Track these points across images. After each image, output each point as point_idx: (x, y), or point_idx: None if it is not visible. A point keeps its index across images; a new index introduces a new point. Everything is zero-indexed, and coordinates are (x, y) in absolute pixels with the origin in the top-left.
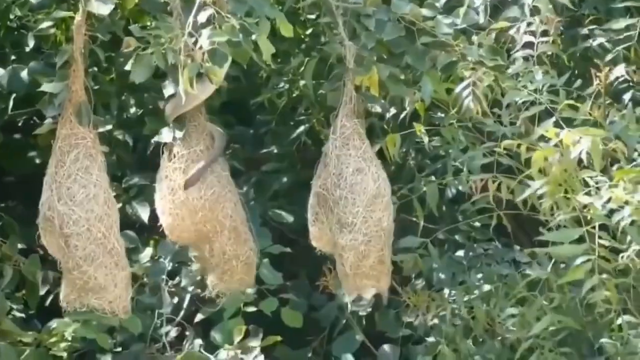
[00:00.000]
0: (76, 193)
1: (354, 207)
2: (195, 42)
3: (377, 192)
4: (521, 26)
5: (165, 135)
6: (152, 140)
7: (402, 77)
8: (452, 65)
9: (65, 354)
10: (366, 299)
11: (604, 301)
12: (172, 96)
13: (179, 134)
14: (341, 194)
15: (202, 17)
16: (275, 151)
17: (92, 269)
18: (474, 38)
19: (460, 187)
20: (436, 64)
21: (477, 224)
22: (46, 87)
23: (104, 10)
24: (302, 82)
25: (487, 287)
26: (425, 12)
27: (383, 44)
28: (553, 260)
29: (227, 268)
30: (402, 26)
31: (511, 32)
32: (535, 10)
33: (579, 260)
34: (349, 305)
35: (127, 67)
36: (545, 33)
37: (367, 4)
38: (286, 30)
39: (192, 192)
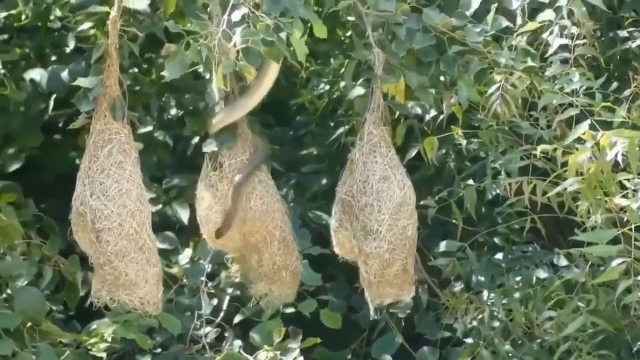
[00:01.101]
0: (109, 188)
1: (380, 214)
2: (229, 40)
3: (403, 200)
4: (554, 29)
5: (210, 144)
6: (192, 142)
7: (441, 79)
8: (483, 72)
9: (104, 355)
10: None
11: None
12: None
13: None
14: (367, 201)
15: (237, 16)
16: (315, 152)
17: (123, 265)
18: (505, 43)
19: (498, 190)
20: (469, 70)
21: (516, 226)
22: (80, 81)
23: (140, 5)
24: (342, 84)
25: (525, 290)
26: (455, 21)
27: (413, 53)
28: (590, 263)
29: (276, 278)
30: (433, 35)
31: (545, 35)
32: (571, 13)
33: (614, 262)
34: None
35: (165, 72)
36: (579, 36)
37: (397, 13)
38: (320, 31)
39: (241, 202)
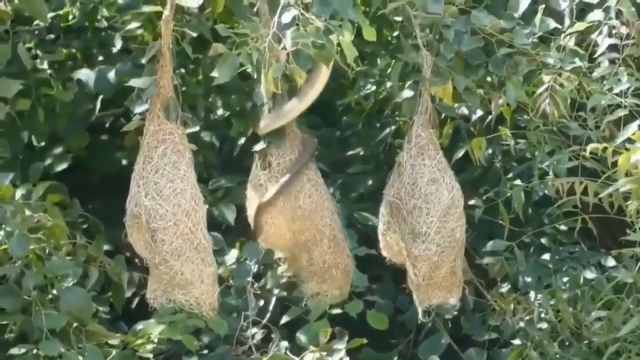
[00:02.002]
0: (163, 188)
1: (428, 217)
2: (280, 43)
3: (451, 203)
4: (604, 29)
5: (260, 143)
6: (239, 143)
7: (488, 79)
8: (532, 74)
9: (151, 356)
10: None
11: None
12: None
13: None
14: (415, 203)
15: (287, 18)
16: (362, 153)
17: (178, 264)
18: (553, 44)
19: (545, 191)
20: (517, 72)
21: (563, 227)
22: (134, 82)
23: (194, 3)
24: (388, 84)
25: (573, 291)
26: (503, 23)
27: (461, 55)
28: None
29: (327, 277)
30: (481, 37)
31: (593, 35)
32: (620, 13)
33: None
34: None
35: (214, 73)
36: (628, 36)
37: (446, 15)
38: (369, 34)
39: (290, 201)
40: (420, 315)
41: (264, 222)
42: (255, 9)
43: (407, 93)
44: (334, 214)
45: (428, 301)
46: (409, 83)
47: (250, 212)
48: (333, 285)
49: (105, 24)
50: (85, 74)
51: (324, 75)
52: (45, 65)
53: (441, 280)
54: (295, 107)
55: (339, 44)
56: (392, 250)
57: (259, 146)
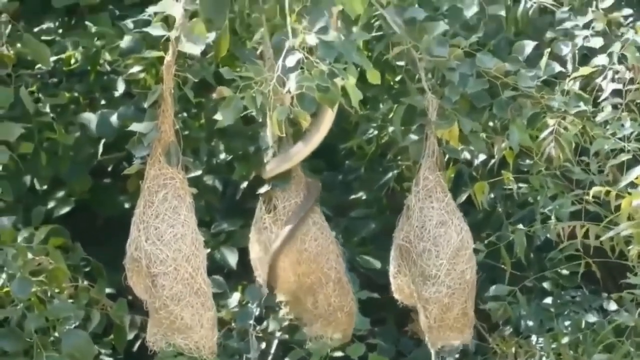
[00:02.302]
0: (164, 232)
1: (438, 259)
2: (284, 86)
3: (461, 245)
4: (608, 74)
5: (265, 187)
6: (241, 187)
7: (491, 124)
8: (536, 117)
9: None
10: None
11: None
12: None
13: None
14: (424, 246)
15: (291, 62)
16: (364, 197)
17: (178, 309)
18: (558, 88)
19: (548, 235)
20: (521, 115)
21: (565, 271)
22: (135, 127)
23: (195, 50)
24: (391, 128)
25: (574, 334)
26: (508, 66)
27: (466, 98)
28: None
29: (332, 319)
30: (486, 80)
31: (598, 80)
32: (623, 58)
33: None
34: (433, 354)
35: (217, 116)
36: (632, 80)
37: (451, 58)
38: (373, 77)
39: (296, 244)
40: (432, 357)
41: (264, 263)
42: (258, 52)
43: (413, 137)
44: (339, 257)
45: (440, 342)
46: (415, 127)
47: (254, 255)
48: (337, 328)
49: (107, 67)
50: (88, 118)
51: (329, 118)
52: (47, 109)
53: (452, 321)
54: (301, 150)
55: (343, 87)
56: (403, 293)
57: (263, 189)
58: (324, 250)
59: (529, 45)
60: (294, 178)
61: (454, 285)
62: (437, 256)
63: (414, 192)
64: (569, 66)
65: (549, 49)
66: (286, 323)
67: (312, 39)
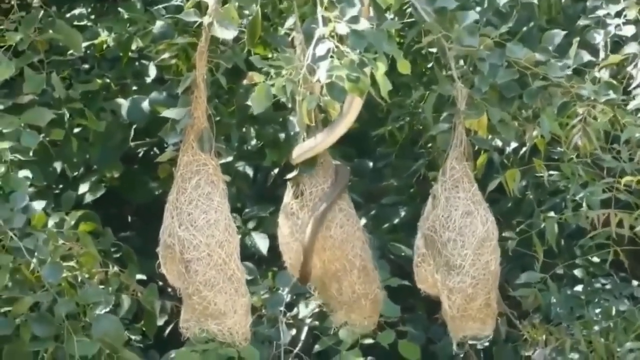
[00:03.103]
0: (197, 218)
1: (463, 249)
2: (314, 74)
3: (486, 236)
4: (639, 62)
5: (293, 172)
6: (272, 173)
7: (523, 113)
8: (566, 105)
9: None
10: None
11: None
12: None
13: (305, 170)
14: (450, 236)
15: (321, 50)
16: (395, 184)
17: (212, 295)
18: (588, 76)
19: (579, 223)
20: (552, 103)
21: (596, 259)
22: (168, 113)
23: (228, 35)
24: (422, 116)
25: (605, 322)
26: (538, 56)
27: (495, 88)
28: None
29: (355, 307)
30: (515, 70)
31: (629, 68)
32: None
33: None
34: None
35: (248, 102)
36: None
37: (481, 48)
38: (404, 67)
39: (321, 230)
40: (454, 346)
41: (291, 249)
42: (290, 38)
43: (442, 126)
44: (365, 244)
45: (462, 332)
46: (443, 116)
47: (282, 240)
48: (361, 315)
49: (139, 53)
50: (119, 104)
51: (356, 106)
52: (78, 95)
53: (475, 312)
54: (328, 137)
55: (372, 77)
56: (427, 282)
57: (291, 175)
58: (350, 237)
59: (559, 35)
60: (321, 164)
61: (478, 276)
62: (462, 246)
63: (441, 182)
64: (602, 54)
65: (578, 38)
66: (317, 309)
67: (342, 28)
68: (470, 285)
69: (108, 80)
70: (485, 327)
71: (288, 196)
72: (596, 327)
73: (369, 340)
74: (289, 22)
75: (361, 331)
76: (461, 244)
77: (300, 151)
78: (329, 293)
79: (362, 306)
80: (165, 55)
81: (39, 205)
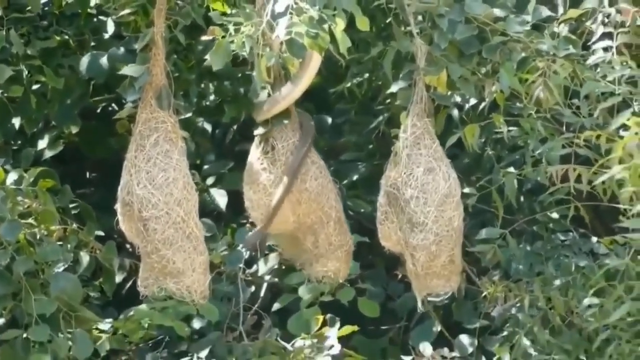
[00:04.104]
0: (155, 176)
1: (425, 206)
2: (273, 31)
3: (448, 192)
4: (598, 17)
5: (261, 127)
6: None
7: (482, 69)
8: (525, 61)
9: (141, 342)
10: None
11: None
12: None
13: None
14: (412, 193)
15: (280, 7)
16: (354, 140)
17: (170, 253)
18: (547, 31)
19: (538, 178)
20: (511, 59)
21: (555, 215)
22: (127, 70)
23: None
24: (381, 72)
25: (564, 278)
26: (497, 12)
27: (454, 44)
28: (632, 250)
29: (333, 257)
30: (475, 26)
31: (589, 23)
32: (613, 2)
33: None
34: (419, 302)
35: (206, 56)
36: (623, 24)
37: (439, 4)
38: (362, 24)
39: (296, 184)
40: (419, 305)
41: (262, 204)
42: None
43: (402, 83)
44: (337, 196)
45: (427, 290)
46: (403, 72)
47: (252, 197)
48: (338, 266)
49: (96, 9)
50: (78, 60)
51: (317, 58)
52: (37, 52)
53: (440, 269)
54: (292, 90)
55: (332, 33)
56: (390, 240)
57: (261, 130)
58: (324, 190)
59: None
60: (288, 117)
61: (442, 233)
62: (424, 203)
63: (402, 139)
64: (560, 10)
65: None
66: (275, 266)
67: None
68: (434, 242)
69: (67, 37)
70: (450, 283)
71: (256, 152)
72: (555, 283)
73: (328, 298)
74: None
75: (336, 282)
76: (424, 200)
77: (269, 105)
78: (304, 247)
79: (339, 257)
80: (125, 12)
81: None
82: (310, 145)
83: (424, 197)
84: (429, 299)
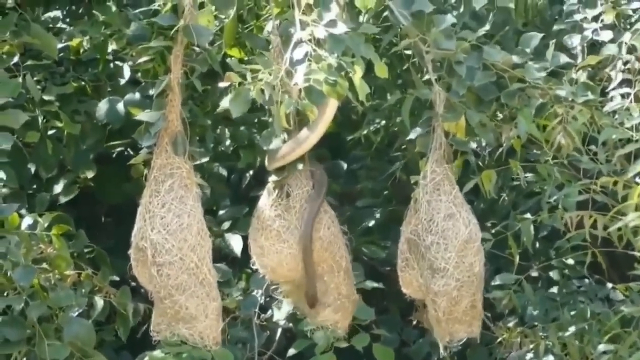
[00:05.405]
0: (170, 222)
1: (446, 252)
2: (291, 77)
3: (469, 237)
4: (617, 63)
5: (275, 174)
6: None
7: (499, 114)
8: (544, 107)
9: None
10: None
11: None
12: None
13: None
14: (433, 239)
15: (299, 54)
16: (370, 187)
17: (183, 299)
18: (565, 78)
19: (554, 224)
20: (529, 104)
21: (571, 261)
22: (142, 116)
23: (203, 40)
24: (398, 119)
25: (580, 324)
26: (515, 58)
27: (473, 91)
28: None
29: (340, 307)
30: (493, 73)
31: (607, 69)
32: (633, 49)
33: None
34: (441, 348)
35: (223, 103)
36: None
37: (458, 51)
38: (381, 71)
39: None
40: (441, 350)
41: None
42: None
43: (420, 129)
44: (346, 246)
45: (449, 336)
46: (422, 119)
47: (262, 243)
48: (344, 316)
49: (113, 55)
50: (93, 105)
51: (333, 103)
52: (53, 98)
53: (461, 314)
54: (309, 136)
55: (350, 80)
56: (411, 287)
57: (276, 177)
58: (336, 239)
59: (536, 38)
60: (303, 165)
61: (463, 278)
62: (445, 249)
63: (422, 185)
64: (579, 59)
65: (554, 40)
66: (291, 311)
67: (320, 32)
68: (455, 287)
69: (83, 83)
70: (472, 329)
71: (269, 199)
72: (571, 329)
73: (344, 344)
74: (268, 27)
75: (340, 333)
76: (444, 246)
77: (286, 151)
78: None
79: (346, 307)
80: (142, 59)
81: (12, 207)
82: (325, 197)
83: (445, 243)
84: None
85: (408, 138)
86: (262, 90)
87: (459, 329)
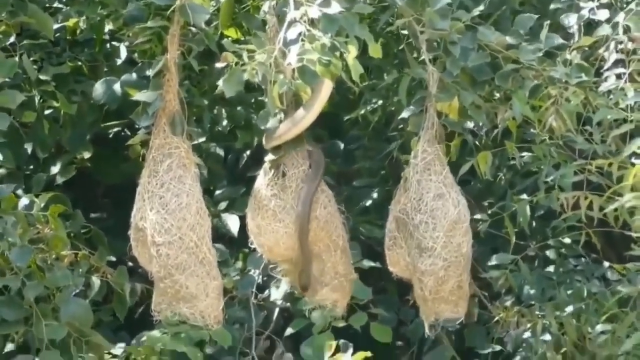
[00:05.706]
0: (169, 202)
1: (435, 232)
2: (285, 58)
3: (458, 218)
4: (611, 44)
5: (271, 154)
6: (244, 154)
7: (495, 95)
8: (538, 88)
9: None
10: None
11: None
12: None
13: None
14: (421, 218)
15: (293, 34)
16: (367, 166)
17: (183, 278)
18: (559, 59)
19: (551, 205)
20: (523, 86)
21: (567, 240)
22: (140, 96)
23: (200, 20)
24: (395, 98)
25: (577, 303)
26: (509, 39)
27: (466, 71)
28: None
29: (338, 287)
30: (487, 53)
31: (601, 50)
32: (628, 29)
33: None
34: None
35: (219, 82)
36: (635, 51)
37: (452, 31)
38: (375, 51)
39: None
40: (426, 329)
41: (271, 231)
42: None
43: (413, 109)
44: (343, 225)
45: (435, 315)
46: (415, 99)
47: (259, 222)
48: (342, 296)
49: (109, 35)
50: (90, 85)
51: (328, 85)
52: (49, 78)
53: (448, 294)
54: (305, 116)
55: (344, 60)
56: (398, 265)
57: (272, 156)
58: (332, 218)
59: (531, 19)
60: (300, 144)
61: (450, 258)
62: (434, 228)
63: (412, 165)
64: (575, 37)
65: (548, 21)
66: (288, 291)
67: (314, 12)
68: (442, 267)
69: (79, 63)
70: (457, 309)
71: (265, 178)
72: (568, 309)
73: (341, 323)
74: (265, 7)
75: (339, 312)
76: (433, 226)
77: (282, 131)
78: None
79: (344, 286)
80: (140, 40)
81: (8, 188)
82: (322, 177)
83: (433, 222)
84: (442, 324)
85: (400, 117)
86: (256, 71)
87: (445, 308)
